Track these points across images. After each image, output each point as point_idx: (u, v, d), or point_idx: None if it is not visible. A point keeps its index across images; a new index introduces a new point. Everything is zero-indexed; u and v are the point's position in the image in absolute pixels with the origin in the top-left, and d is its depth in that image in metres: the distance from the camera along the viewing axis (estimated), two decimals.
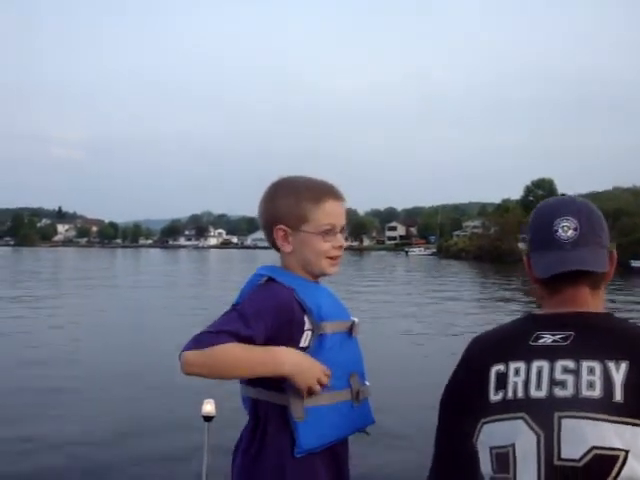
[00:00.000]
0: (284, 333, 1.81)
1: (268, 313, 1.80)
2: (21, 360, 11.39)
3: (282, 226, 1.94)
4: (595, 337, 1.41)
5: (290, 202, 1.94)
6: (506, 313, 18.25)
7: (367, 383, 1.99)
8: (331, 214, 1.94)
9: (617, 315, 1.51)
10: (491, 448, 1.40)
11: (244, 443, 1.89)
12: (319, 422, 1.83)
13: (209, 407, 3.39)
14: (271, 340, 1.79)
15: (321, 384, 1.81)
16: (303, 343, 1.85)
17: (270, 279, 1.90)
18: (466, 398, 1.49)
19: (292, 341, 1.83)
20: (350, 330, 1.95)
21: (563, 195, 1.68)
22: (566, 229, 1.50)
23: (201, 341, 1.70)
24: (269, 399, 1.85)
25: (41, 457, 6.28)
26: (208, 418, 3.41)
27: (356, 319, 2.00)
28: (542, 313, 1.54)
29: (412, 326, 16.89)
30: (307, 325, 1.85)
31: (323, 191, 1.96)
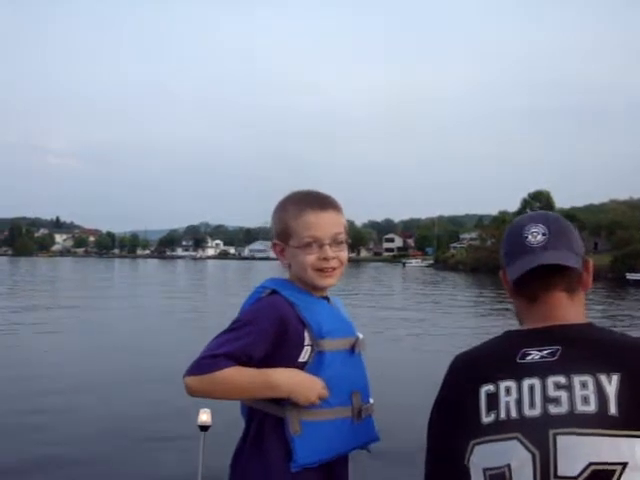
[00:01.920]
0: (281, 346, 1.81)
1: (264, 327, 1.79)
2: (17, 372, 11.36)
3: (277, 241, 1.96)
4: (582, 350, 1.40)
5: (278, 218, 1.96)
6: (503, 324, 18.26)
7: (371, 401, 1.95)
8: (311, 226, 1.88)
9: (610, 326, 1.52)
10: (484, 469, 1.38)
11: (238, 452, 1.89)
12: (316, 437, 1.81)
13: (205, 417, 3.38)
14: (270, 354, 1.80)
15: (322, 398, 1.81)
16: (302, 358, 1.83)
17: (273, 292, 1.89)
18: (455, 419, 1.46)
19: (290, 355, 1.82)
20: (353, 347, 1.92)
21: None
22: (535, 234, 1.51)
23: (201, 367, 1.73)
24: (265, 409, 1.84)
25: (36, 470, 6.24)
26: (204, 428, 3.39)
27: (361, 335, 1.96)
28: (525, 329, 1.52)
29: (411, 338, 16.88)
30: (307, 340, 1.83)
31: (302, 204, 1.91)
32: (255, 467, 1.83)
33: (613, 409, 1.31)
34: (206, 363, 1.73)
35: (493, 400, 1.40)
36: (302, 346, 1.83)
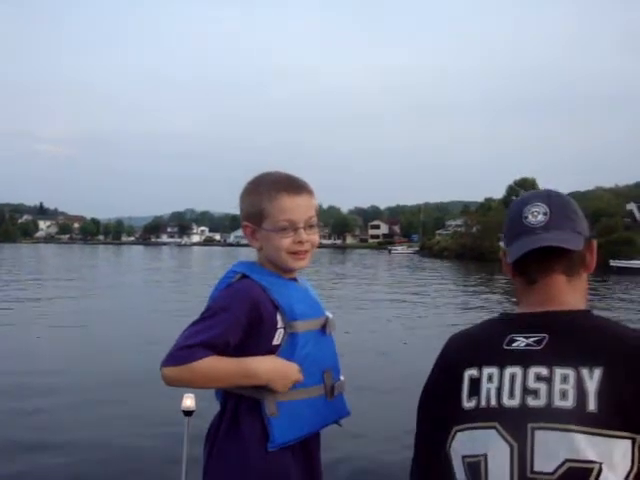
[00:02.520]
0: (255, 331, 1.83)
1: (238, 313, 1.80)
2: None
3: (248, 223, 1.96)
4: (569, 340, 1.37)
5: (251, 200, 1.95)
6: (486, 311, 18.37)
7: (342, 378, 2.01)
8: (287, 210, 1.89)
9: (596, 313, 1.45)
10: (463, 457, 1.37)
11: (214, 434, 1.90)
12: (292, 417, 1.85)
13: (189, 402, 3.38)
14: (245, 339, 1.82)
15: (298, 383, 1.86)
16: (276, 341, 1.86)
17: (244, 276, 1.90)
18: (440, 403, 1.46)
19: (264, 339, 1.85)
20: (324, 327, 1.96)
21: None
22: (535, 214, 1.46)
23: (177, 357, 1.74)
24: (241, 392, 1.86)
25: (22, 456, 6.23)
26: (188, 412, 3.39)
27: (330, 315, 2.01)
28: (516, 313, 1.50)
29: (393, 321, 16.95)
30: (280, 323, 1.86)
31: (279, 187, 1.91)
32: (232, 449, 1.84)
33: (592, 406, 1.27)
34: (183, 354, 1.74)
35: (475, 386, 1.39)
36: (275, 329, 1.85)
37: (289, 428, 1.85)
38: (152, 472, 5.72)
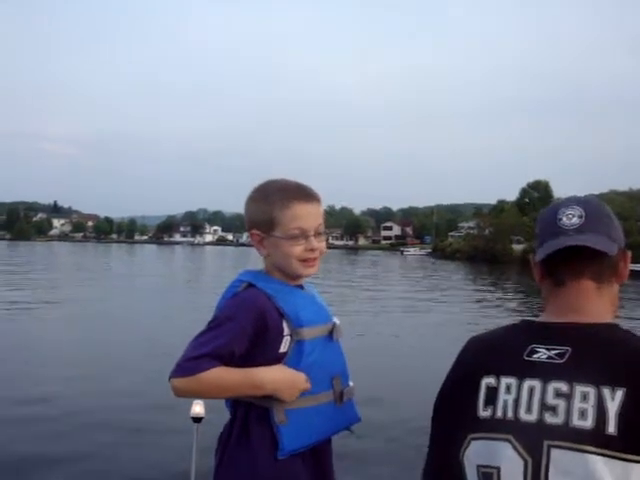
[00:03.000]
0: (262, 339, 1.83)
1: (244, 323, 1.81)
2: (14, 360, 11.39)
3: (256, 231, 1.95)
4: (592, 356, 1.32)
5: (260, 207, 1.94)
6: (497, 313, 18.32)
7: (351, 384, 2.00)
8: (299, 218, 1.90)
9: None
10: (478, 466, 1.35)
11: (225, 441, 1.91)
12: (301, 424, 1.85)
13: (198, 408, 3.38)
14: (252, 348, 1.82)
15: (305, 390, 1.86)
16: (283, 348, 1.86)
17: (249, 285, 1.90)
18: (455, 408, 1.44)
19: (270, 347, 1.85)
20: (331, 333, 1.96)
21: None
22: (570, 217, 1.42)
23: (185, 369, 1.76)
24: (250, 400, 1.86)
25: (29, 456, 6.28)
26: (197, 419, 3.40)
27: (337, 321, 2.00)
28: (540, 321, 1.46)
29: (408, 325, 16.93)
30: (286, 331, 1.86)
31: (290, 195, 1.92)
32: (242, 457, 1.85)
33: (611, 428, 1.23)
34: (190, 365, 1.76)
35: (492, 395, 1.36)
36: (282, 336, 1.86)
37: (298, 436, 1.85)
38: (161, 479, 5.74)
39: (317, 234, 1.94)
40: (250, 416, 1.86)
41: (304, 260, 1.92)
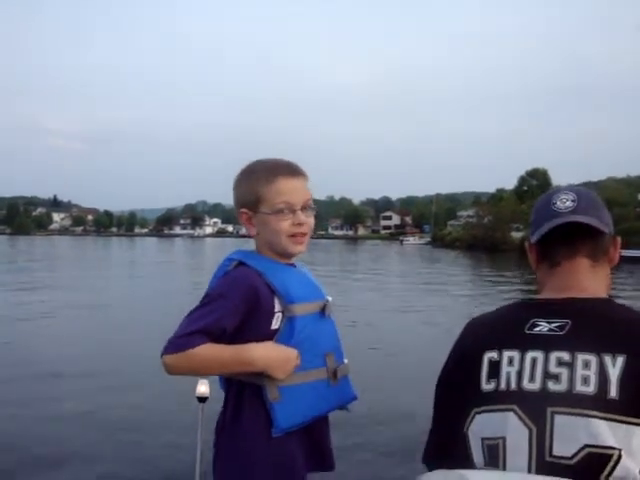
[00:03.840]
0: (253, 316, 1.83)
1: (235, 299, 1.81)
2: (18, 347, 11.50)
3: (244, 209, 1.95)
4: (592, 326, 1.37)
5: (246, 185, 1.94)
6: (497, 301, 18.41)
7: (346, 361, 1.99)
8: (284, 192, 1.89)
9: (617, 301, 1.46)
10: (482, 439, 1.37)
11: (219, 423, 1.92)
12: (295, 401, 1.85)
13: (203, 388, 3.34)
14: (243, 324, 1.83)
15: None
16: (274, 325, 1.86)
17: (240, 263, 1.91)
18: (458, 384, 1.47)
19: (262, 324, 1.85)
20: (323, 310, 1.95)
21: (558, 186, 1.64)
22: (564, 200, 1.48)
23: (176, 345, 1.75)
24: (243, 379, 1.87)
25: (37, 435, 6.36)
26: (202, 399, 3.35)
27: (330, 298, 2.00)
28: (539, 298, 1.51)
29: (407, 310, 17.03)
30: (277, 307, 1.86)
31: (275, 170, 1.91)
32: (237, 435, 1.86)
33: (613, 392, 1.27)
34: (181, 342, 1.75)
35: (495, 368, 1.39)
36: (273, 313, 1.86)
37: (292, 413, 1.85)
38: (167, 458, 5.80)
39: (305, 209, 1.93)
40: (244, 395, 1.87)
41: (292, 235, 1.91)
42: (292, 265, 2.00)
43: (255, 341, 1.83)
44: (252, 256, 1.95)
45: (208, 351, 1.76)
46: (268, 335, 1.85)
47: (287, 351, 1.85)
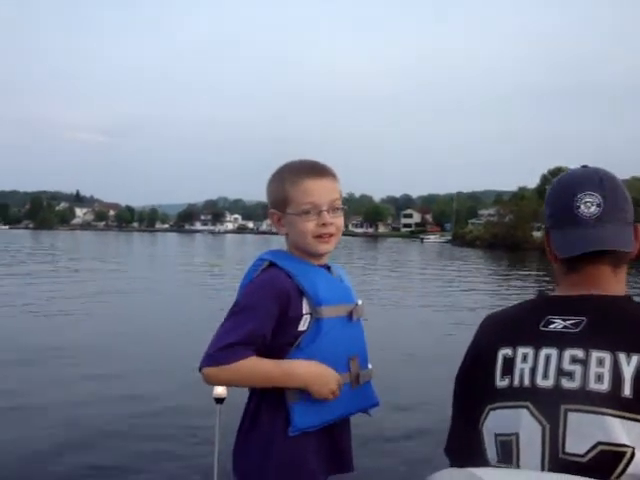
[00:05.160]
0: (284, 319, 1.83)
1: (269, 306, 1.81)
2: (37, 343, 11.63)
3: (274, 210, 1.97)
4: (608, 324, 1.35)
5: (274, 186, 1.96)
6: (516, 300, 18.23)
7: (370, 366, 1.99)
8: (310, 193, 1.89)
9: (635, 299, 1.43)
10: (496, 435, 1.37)
11: (242, 420, 1.93)
12: (314, 403, 1.85)
13: (220, 389, 3.35)
14: (276, 328, 1.83)
15: (334, 395, 1.86)
16: (302, 327, 1.85)
17: (271, 264, 1.90)
18: (474, 381, 1.47)
19: (291, 326, 1.85)
20: (351, 314, 1.94)
21: (584, 166, 1.51)
22: (589, 205, 1.42)
23: (218, 359, 1.76)
24: None
25: (57, 435, 6.42)
26: (219, 400, 3.36)
27: (360, 301, 1.99)
28: (555, 295, 1.49)
29: (426, 309, 16.99)
30: (305, 309, 1.85)
31: (301, 171, 1.92)
32: (255, 433, 1.88)
33: (627, 391, 1.26)
34: (224, 354, 1.76)
35: (509, 365, 1.39)
36: (301, 315, 1.85)
37: (310, 414, 1.85)
38: (186, 459, 5.82)
39: (332, 209, 1.91)
40: (265, 395, 1.88)
41: (318, 236, 1.91)
42: (325, 266, 2.00)
43: (284, 343, 1.85)
44: (283, 256, 1.95)
45: (252, 365, 1.78)
46: (295, 337, 1.86)
47: (330, 372, 1.87)
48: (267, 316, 1.81)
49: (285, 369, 1.83)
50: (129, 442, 6.34)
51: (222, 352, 1.76)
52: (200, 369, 1.79)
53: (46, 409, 7.31)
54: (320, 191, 1.90)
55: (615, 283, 1.44)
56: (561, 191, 1.48)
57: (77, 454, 5.92)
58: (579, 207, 1.42)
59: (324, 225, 1.90)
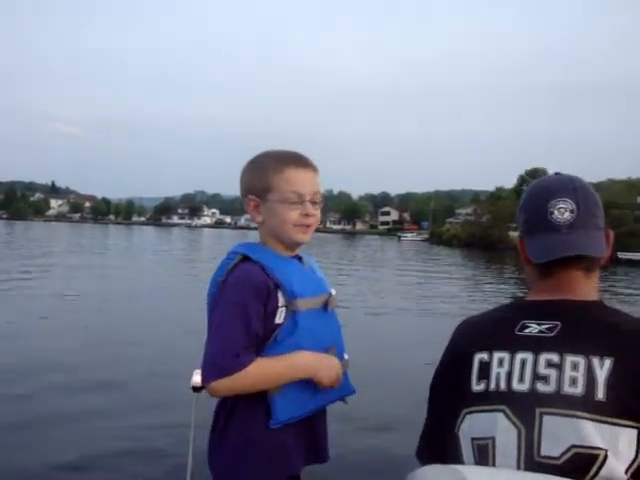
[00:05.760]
0: (265, 313, 1.83)
1: (253, 302, 1.80)
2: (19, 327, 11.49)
3: (251, 196, 1.95)
4: (582, 329, 1.38)
5: (254, 173, 1.95)
6: (491, 300, 18.43)
7: (346, 356, 2.01)
8: (295, 182, 1.89)
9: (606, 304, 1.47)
10: (472, 439, 1.39)
11: (218, 413, 1.92)
12: (295, 394, 1.85)
13: (198, 378, 3.33)
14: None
15: (338, 380, 1.92)
16: (278, 319, 1.85)
17: (244, 257, 1.89)
18: (450, 385, 1.48)
19: (269, 319, 1.84)
20: (326, 304, 1.95)
21: (557, 174, 1.54)
22: (562, 211, 1.44)
23: (224, 368, 1.75)
24: None
25: (38, 421, 6.29)
26: (197, 389, 3.40)
27: (333, 291, 2.00)
28: (530, 300, 1.51)
29: (401, 307, 17.06)
30: (281, 302, 1.85)
31: (286, 159, 1.92)
32: (235, 425, 1.87)
33: (600, 394, 1.29)
34: (229, 364, 1.75)
35: (485, 369, 1.40)
36: (277, 307, 1.85)
37: (291, 406, 1.85)
38: (159, 450, 5.74)
39: (313, 202, 1.93)
40: None
41: (299, 225, 1.92)
42: (297, 257, 2.00)
43: (264, 337, 1.84)
44: (256, 249, 1.94)
45: (260, 367, 1.79)
46: (272, 330, 1.85)
47: (331, 359, 1.91)
48: (257, 315, 1.81)
49: (289, 364, 1.83)
50: (101, 434, 6.15)
51: (227, 361, 1.76)
52: (205, 383, 1.78)
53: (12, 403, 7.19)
54: (304, 182, 1.91)
55: (588, 288, 1.47)
56: (535, 197, 1.50)
57: (46, 453, 5.70)
58: (553, 213, 1.44)
59: (306, 216, 1.91)
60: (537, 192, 1.51)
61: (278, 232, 1.93)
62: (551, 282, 1.47)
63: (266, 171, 1.92)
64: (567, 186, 1.47)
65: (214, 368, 1.77)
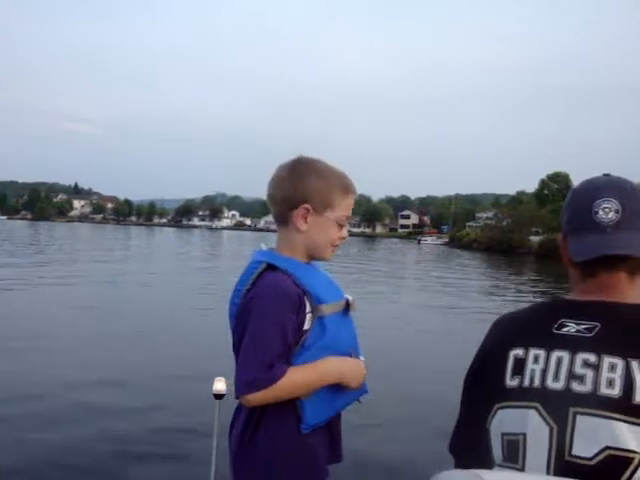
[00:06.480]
0: (297, 321, 1.87)
1: (286, 312, 1.84)
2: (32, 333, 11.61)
3: (307, 205, 1.97)
4: (622, 331, 1.35)
5: (321, 185, 1.98)
6: (512, 304, 18.32)
7: (362, 358, 2.06)
8: (349, 209, 2.04)
9: None
10: (503, 434, 1.38)
11: (241, 425, 1.94)
12: (322, 398, 1.91)
13: (220, 385, 3.38)
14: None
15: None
16: (306, 326, 1.89)
17: (269, 265, 1.93)
18: (483, 380, 1.47)
19: (300, 326, 1.88)
20: (345, 309, 2.03)
21: (606, 175, 1.51)
22: (607, 211, 1.42)
23: (260, 381, 1.79)
24: None
25: (54, 429, 6.37)
26: (219, 396, 3.39)
27: (350, 297, 2.07)
28: (570, 299, 1.49)
29: (423, 311, 17.01)
30: (308, 308, 1.90)
31: (348, 184, 2.04)
32: (264, 432, 1.90)
33: (638, 397, 1.26)
34: (265, 377, 1.79)
35: (520, 365, 1.39)
36: (305, 314, 1.90)
37: (320, 409, 1.91)
38: (183, 456, 5.75)
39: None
40: None
41: (334, 245, 2.04)
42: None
43: (295, 343, 1.88)
44: (278, 257, 1.98)
45: (294, 379, 1.83)
46: (300, 336, 1.90)
47: (356, 362, 2.01)
48: (288, 323, 1.85)
49: (320, 370, 1.89)
50: (122, 441, 6.20)
51: (261, 374, 1.80)
52: (240, 395, 1.83)
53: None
54: (350, 208, 2.06)
55: (631, 290, 1.44)
56: (580, 196, 1.48)
57: (69, 456, 5.77)
58: (597, 212, 1.42)
59: (342, 238, 2.06)
60: (583, 191, 1.49)
61: (316, 246, 2.02)
62: (593, 283, 1.45)
63: (333, 189, 2.00)
64: (613, 186, 1.45)
65: (250, 381, 1.80)
